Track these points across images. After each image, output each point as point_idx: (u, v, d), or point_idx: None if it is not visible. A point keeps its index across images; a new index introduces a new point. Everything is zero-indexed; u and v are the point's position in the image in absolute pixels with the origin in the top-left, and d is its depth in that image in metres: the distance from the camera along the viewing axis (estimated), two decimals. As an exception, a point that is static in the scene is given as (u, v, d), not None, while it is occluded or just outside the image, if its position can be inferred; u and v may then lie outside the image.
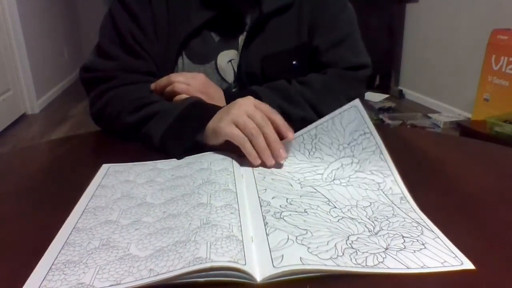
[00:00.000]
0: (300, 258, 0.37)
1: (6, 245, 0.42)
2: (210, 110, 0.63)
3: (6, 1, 3.16)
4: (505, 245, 0.41)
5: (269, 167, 0.56)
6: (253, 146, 0.56)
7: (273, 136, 0.57)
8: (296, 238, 0.40)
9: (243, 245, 0.38)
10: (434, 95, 3.47)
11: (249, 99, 0.60)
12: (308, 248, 0.39)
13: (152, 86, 0.72)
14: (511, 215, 0.46)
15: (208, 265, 0.35)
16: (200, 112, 0.63)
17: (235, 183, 0.51)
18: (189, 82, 0.69)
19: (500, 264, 0.38)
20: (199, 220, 0.43)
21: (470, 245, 0.40)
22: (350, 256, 0.38)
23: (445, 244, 0.40)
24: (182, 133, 0.62)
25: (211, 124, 0.60)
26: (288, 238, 0.40)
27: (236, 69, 0.81)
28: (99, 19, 0.78)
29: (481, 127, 2.22)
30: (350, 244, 0.40)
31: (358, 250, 0.39)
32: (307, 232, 0.41)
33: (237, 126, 0.57)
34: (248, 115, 0.57)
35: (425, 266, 0.37)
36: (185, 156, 0.61)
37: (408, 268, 0.37)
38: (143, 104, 0.67)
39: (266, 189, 0.50)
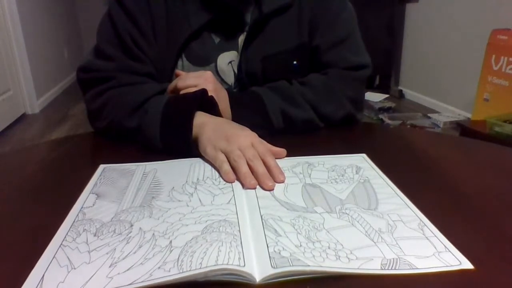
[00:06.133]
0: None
1: (6, 245, 0.42)
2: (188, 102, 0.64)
3: (6, 1, 3.16)
4: (504, 245, 0.41)
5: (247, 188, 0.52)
6: (235, 171, 0.54)
7: (261, 169, 0.54)
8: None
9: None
10: (434, 95, 3.47)
11: (250, 136, 0.60)
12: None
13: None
14: (510, 215, 0.46)
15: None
16: (180, 106, 0.65)
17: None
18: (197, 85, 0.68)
19: (499, 264, 0.38)
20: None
21: (469, 245, 0.40)
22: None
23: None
24: (176, 126, 0.63)
25: (203, 138, 0.61)
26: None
27: (236, 71, 0.81)
28: (99, 19, 0.78)
29: (481, 127, 2.22)
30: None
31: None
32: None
33: (223, 153, 0.57)
34: (240, 148, 0.57)
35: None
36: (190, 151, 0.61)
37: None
38: (140, 107, 0.68)
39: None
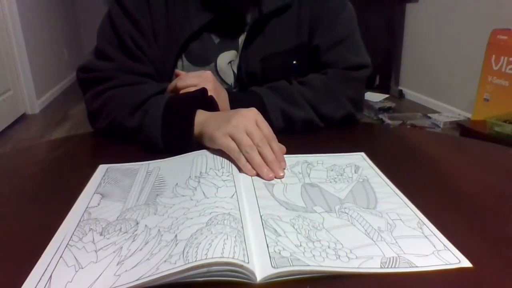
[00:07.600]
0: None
1: (6, 244, 0.42)
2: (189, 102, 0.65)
3: (6, 1, 3.16)
4: (504, 245, 0.41)
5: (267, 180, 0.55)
6: (248, 161, 0.56)
7: (270, 156, 0.57)
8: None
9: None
10: (434, 95, 3.47)
11: (252, 112, 0.60)
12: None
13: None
14: (510, 215, 0.46)
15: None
16: (181, 106, 0.65)
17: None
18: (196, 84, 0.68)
19: (499, 263, 0.38)
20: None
21: (468, 244, 0.40)
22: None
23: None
24: (176, 126, 0.63)
25: (209, 129, 0.60)
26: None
27: (235, 71, 0.81)
28: (99, 19, 0.78)
29: (481, 127, 2.22)
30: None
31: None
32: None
33: (233, 139, 0.58)
34: (247, 132, 0.58)
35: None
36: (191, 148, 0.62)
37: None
38: (140, 107, 0.68)
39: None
